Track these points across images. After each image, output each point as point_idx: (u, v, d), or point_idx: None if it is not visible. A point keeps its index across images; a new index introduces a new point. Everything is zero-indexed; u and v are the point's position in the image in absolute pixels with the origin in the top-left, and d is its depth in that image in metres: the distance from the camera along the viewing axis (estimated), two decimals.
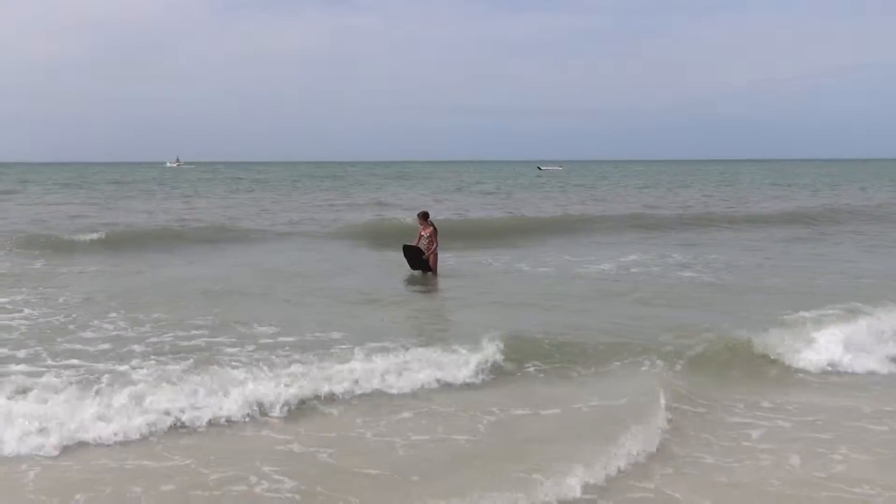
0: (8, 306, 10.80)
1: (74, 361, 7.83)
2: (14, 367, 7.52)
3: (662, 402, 6.74)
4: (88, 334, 9.14)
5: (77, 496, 5.11)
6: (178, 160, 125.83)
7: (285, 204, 34.32)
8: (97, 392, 6.37)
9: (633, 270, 14.98)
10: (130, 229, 20.55)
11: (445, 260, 15.07)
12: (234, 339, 8.85)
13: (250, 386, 6.65)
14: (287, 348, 8.39)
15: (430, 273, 14.22)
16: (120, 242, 18.46)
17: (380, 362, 7.48)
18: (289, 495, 5.15)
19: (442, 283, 13.66)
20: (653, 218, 26.34)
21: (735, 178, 69.76)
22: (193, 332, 9.26)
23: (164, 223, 23.48)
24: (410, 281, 13.77)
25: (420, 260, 14.37)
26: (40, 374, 7.17)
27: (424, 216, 14.74)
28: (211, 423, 6.27)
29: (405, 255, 14.64)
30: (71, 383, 6.73)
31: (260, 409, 6.50)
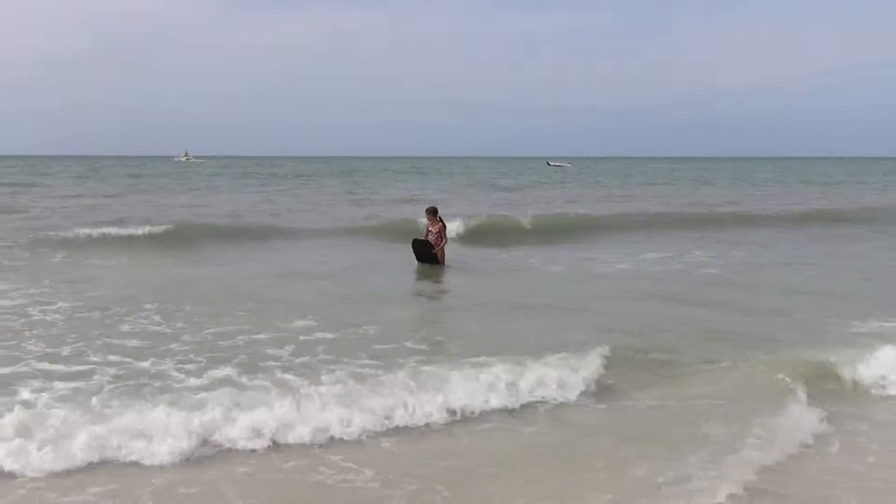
0: (39, 299, 10.87)
1: (114, 357, 7.84)
2: (68, 368, 7.50)
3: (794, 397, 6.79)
4: (126, 328, 9.19)
5: (153, 481, 5.26)
6: (186, 154, 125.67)
7: (304, 199, 34.39)
8: (148, 397, 6.43)
9: (664, 267, 15.05)
10: (154, 224, 20.58)
11: (477, 258, 15.06)
12: (272, 337, 8.80)
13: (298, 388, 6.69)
14: (327, 347, 8.39)
15: (438, 265, 14.27)
16: (144, 237, 18.57)
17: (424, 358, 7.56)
18: (370, 485, 5.21)
19: (464, 280, 13.77)
20: (672, 215, 26.32)
21: (747, 175, 69.57)
22: (230, 328, 9.22)
23: (185, 218, 23.54)
24: (426, 277, 13.90)
25: (429, 253, 14.39)
26: (90, 375, 7.25)
27: (433, 212, 14.69)
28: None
29: (414, 248, 14.69)
30: (117, 387, 6.85)
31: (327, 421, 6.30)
